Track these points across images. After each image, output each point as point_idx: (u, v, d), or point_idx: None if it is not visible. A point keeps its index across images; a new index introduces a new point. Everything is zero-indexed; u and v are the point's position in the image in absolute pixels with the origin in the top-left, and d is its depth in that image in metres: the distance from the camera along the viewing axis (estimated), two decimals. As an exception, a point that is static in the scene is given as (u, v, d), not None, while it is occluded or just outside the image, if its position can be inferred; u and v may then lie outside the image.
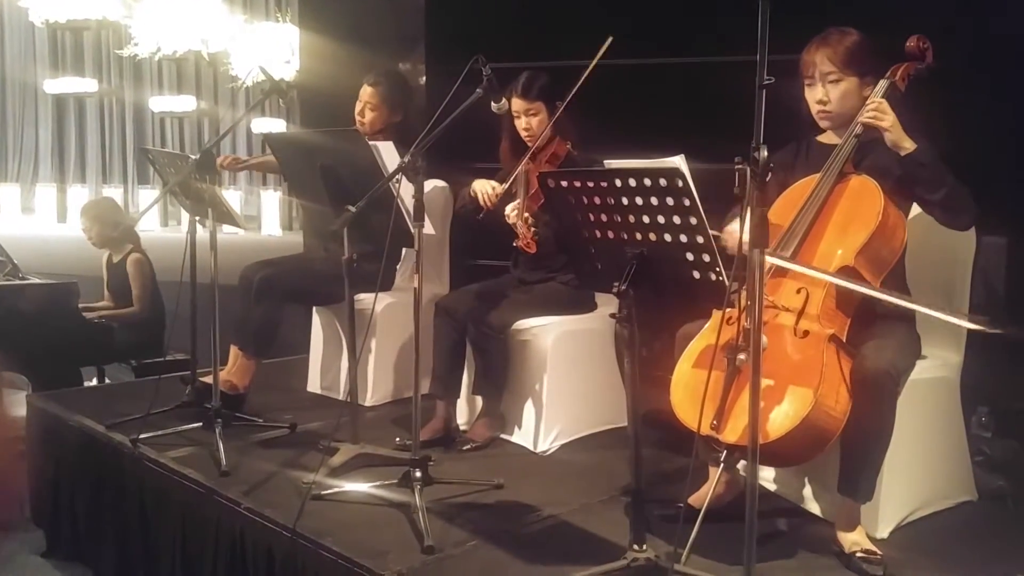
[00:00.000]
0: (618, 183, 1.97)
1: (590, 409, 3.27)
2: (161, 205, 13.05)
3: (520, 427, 3.22)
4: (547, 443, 3.15)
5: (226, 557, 2.63)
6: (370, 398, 3.67)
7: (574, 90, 3.00)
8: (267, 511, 2.52)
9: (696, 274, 1.97)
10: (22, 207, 15.29)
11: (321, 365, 3.88)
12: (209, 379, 3.19)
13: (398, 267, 3.81)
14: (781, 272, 2.32)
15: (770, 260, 2.24)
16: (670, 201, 1.92)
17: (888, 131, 2.27)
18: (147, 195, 14.19)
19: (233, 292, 3.52)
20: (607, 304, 3.30)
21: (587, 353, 3.23)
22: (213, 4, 11.37)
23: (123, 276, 4.76)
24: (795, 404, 2.10)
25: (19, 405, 3.85)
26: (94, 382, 4.74)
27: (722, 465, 2.27)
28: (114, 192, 13.94)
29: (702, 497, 2.34)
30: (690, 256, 1.96)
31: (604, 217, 2.04)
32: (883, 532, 2.41)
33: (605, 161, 2.20)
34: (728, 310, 2.09)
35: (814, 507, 2.57)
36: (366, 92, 3.62)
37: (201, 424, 3.16)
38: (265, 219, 13.04)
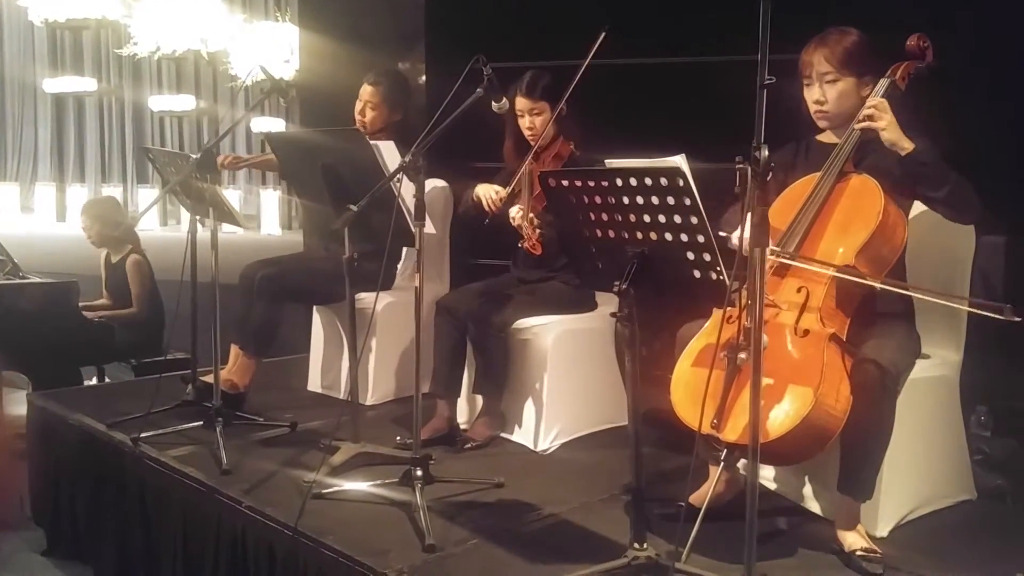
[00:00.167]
0: (619, 182, 1.97)
1: (590, 408, 3.27)
2: (160, 204, 13.04)
3: (520, 426, 3.22)
4: (547, 442, 3.15)
5: (227, 556, 2.64)
6: (371, 397, 3.67)
7: (570, 88, 3.00)
8: (268, 510, 2.52)
9: (697, 273, 1.98)
10: (21, 206, 15.29)
11: (322, 364, 3.89)
12: (210, 378, 3.20)
13: (398, 266, 3.82)
14: (781, 271, 2.33)
15: (772, 257, 2.25)
16: (671, 200, 1.92)
17: (885, 131, 2.26)
18: (146, 194, 14.18)
19: (233, 291, 3.53)
20: (607, 303, 3.30)
21: (587, 352, 3.24)
22: (212, 3, 11.35)
23: (122, 276, 4.76)
24: (795, 403, 2.10)
25: (19, 404, 3.86)
26: (94, 381, 4.74)
27: (722, 464, 2.27)
28: (113, 191, 13.93)
29: (702, 496, 2.35)
30: (691, 255, 1.96)
31: (605, 216, 2.05)
32: (883, 531, 2.42)
33: (606, 160, 2.21)
34: (728, 309, 2.09)
35: (814, 506, 2.58)
36: (366, 91, 3.62)
37: (202, 423, 3.16)
38: (264, 218, 13.03)
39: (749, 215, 1.73)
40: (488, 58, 2.67)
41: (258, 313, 3.47)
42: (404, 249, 3.67)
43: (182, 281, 3.24)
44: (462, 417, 3.31)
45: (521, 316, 3.18)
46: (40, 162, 15.66)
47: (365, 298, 3.36)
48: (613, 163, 2.12)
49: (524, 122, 3.18)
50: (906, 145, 2.25)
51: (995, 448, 2.99)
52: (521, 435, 3.22)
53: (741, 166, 1.70)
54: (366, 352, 3.63)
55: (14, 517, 3.68)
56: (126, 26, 11.51)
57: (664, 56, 3.96)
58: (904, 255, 2.40)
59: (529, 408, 3.19)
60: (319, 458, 2.72)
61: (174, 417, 3.24)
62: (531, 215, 2.98)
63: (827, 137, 2.54)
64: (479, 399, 3.24)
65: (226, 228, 3.50)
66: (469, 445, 3.11)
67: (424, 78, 4.60)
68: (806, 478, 2.60)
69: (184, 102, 13.52)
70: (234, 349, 3.52)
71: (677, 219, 1.93)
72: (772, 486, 2.70)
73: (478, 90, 2.68)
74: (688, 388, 2.26)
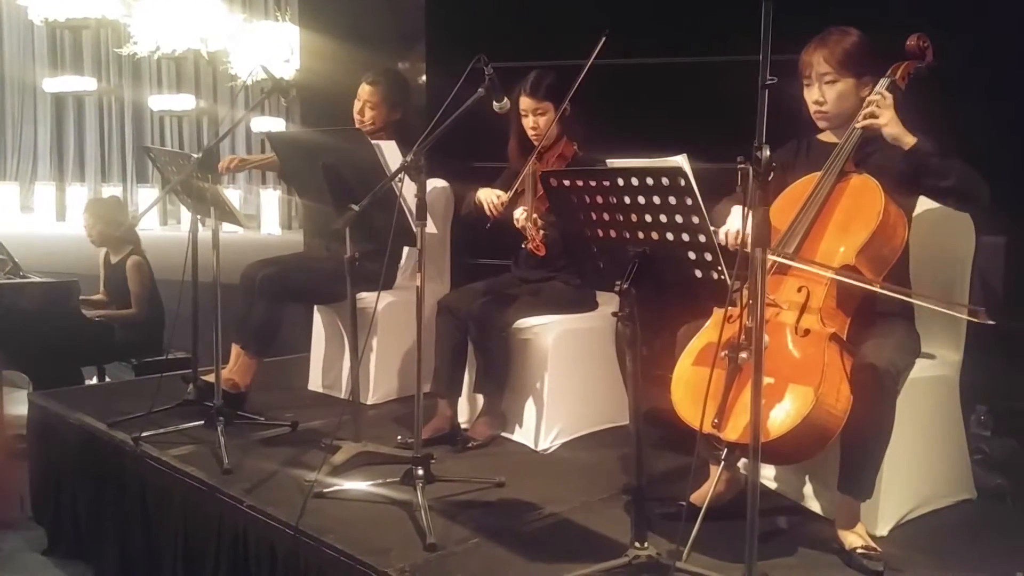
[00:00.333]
0: (620, 182, 1.98)
1: (591, 407, 3.27)
2: (161, 204, 13.03)
3: (521, 425, 3.23)
4: (548, 441, 3.16)
5: (228, 555, 2.64)
6: (372, 396, 3.68)
7: (572, 89, 3.00)
8: (269, 509, 2.53)
9: (698, 273, 1.98)
10: (21, 206, 15.28)
11: (323, 364, 3.89)
12: (211, 377, 3.20)
13: (399, 266, 3.82)
14: (782, 271, 2.33)
15: (773, 258, 2.25)
16: (672, 200, 1.92)
17: (886, 127, 2.27)
18: (146, 194, 14.19)
19: (233, 291, 3.53)
20: (608, 303, 3.31)
21: (588, 352, 3.24)
22: (212, 3, 11.35)
23: (121, 277, 4.76)
24: (796, 403, 2.11)
25: (20, 404, 3.86)
26: (94, 381, 4.75)
27: (723, 463, 2.28)
28: (113, 191, 13.91)
29: (703, 495, 2.35)
30: (692, 255, 1.96)
31: (606, 216, 2.05)
32: (883, 530, 2.42)
33: (607, 160, 2.21)
34: (729, 308, 2.10)
35: (814, 505, 2.58)
36: (365, 91, 3.62)
37: (203, 422, 3.16)
38: (265, 218, 13.04)
39: (750, 215, 1.73)
40: (488, 58, 2.67)
41: (259, 313, 3.48)
42: (405, 249, 3.67)
43: (183, 281, 3.24)
44: (463, 417, 3.31)
45: (522, 316, 3.18)
46: (40, 161, 15.66)
47: (366, 298, 3.37)
48: (615, 163, 2.12)
49: (528, 122, 3.18)
50: (909, 140, 2.26)
51: (995, 448, 3.00)
52: (522, 434, 3.22)
53: (742, 166, 1.70)
54: (367, 352, 3.63)
55: (14, 516, 3.69)
56: (126, 25, 11.50)
57: (665, 56, 3.96)
58: (907, 255, 2.41)
59: (530, 407, 3.20)
60: (320, 457, 2.72)
61: (175, 416, 3.24)
62: (535, 216, 2.98)
63: (828, 136, 2.55)
64: (480, 399, 3.24)
65: (226, 228, 3.50)
66: (470, 444, 3.11)
67: (424, 78, 4.61)
68: (806, 477, 2.61)
69: (184, 102, 13.52)
70: (235, 349, 3.52)
71: (678, 219, 1.94)
72: (773, 485, 2.70)
73: (479, 90, 2.68)
74: (689, 387, 2.26)
